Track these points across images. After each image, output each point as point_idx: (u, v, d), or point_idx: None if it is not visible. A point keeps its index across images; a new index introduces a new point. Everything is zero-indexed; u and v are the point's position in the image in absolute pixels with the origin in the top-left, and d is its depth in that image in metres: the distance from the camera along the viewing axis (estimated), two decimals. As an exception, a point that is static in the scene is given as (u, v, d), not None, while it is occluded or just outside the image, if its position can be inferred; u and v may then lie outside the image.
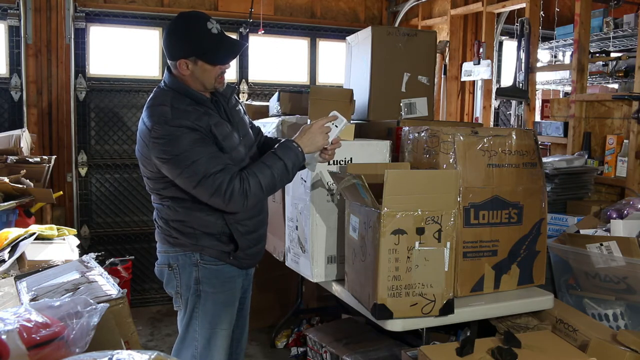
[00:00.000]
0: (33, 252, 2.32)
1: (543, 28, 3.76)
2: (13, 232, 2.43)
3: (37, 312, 1.24)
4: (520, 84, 3.63)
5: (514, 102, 3.98)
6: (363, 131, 2.73)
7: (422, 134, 2.21)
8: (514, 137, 2.16)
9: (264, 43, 4.71)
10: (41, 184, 3.33)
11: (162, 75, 2.04)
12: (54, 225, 2.67)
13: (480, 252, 2.13)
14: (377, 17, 5.03)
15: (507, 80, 4.38)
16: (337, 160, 2.29)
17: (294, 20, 4.73)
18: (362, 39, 2.95)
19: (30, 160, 3.32)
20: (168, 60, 1.96)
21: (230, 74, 4.44)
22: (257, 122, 2.47)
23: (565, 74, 4.20)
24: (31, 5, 3.91)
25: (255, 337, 3.58)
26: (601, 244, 2.24)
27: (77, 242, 2.65)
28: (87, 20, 4.13)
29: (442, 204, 1.91)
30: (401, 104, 2.89)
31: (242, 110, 2.15)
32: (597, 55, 3.66)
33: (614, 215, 2.43)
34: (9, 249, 2.31)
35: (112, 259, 3.93)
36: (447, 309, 1.96)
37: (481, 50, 4.00)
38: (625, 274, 2.20)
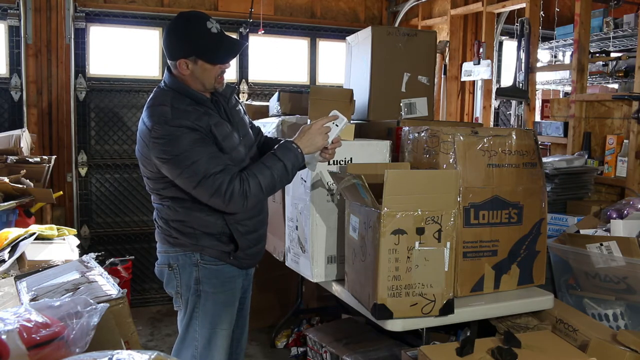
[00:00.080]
0: (33, 252, 2.32)
1: (543, 28, 3.76)
2: (13, 232, 2.43)
3: (37, 312, 1.23)
4: (520, 84, 3.63)
5: (514, 102, 3.98)
6: (363, 131, 2.73)
7: (422, 134, 2.21)
8: (514, 137, 2.16)
9: (264, 43, 4.71)
10: (41, 184, 3.33)
11: (162, 75, 2.04)
12: (54, 225, 2.67)
13: (480, 252, 2.13)
14: (377, 17, 5.03)
15: (507, 80, 4.38)
16: (337, 160, 2.29)
17: (294, 20, 4.73)
18: (362, 39, 2.95)
19: (30, 160, 3.32)
20: (168, 60, 1.96)
21: (230, 74, 4.46)
22: (257, 122, 2.47)
23: (565, 74, 4.20)
24: (31, 5, 3.91)
25: (255, 337, 3.58)
26: (601, 244, 2.24)
27: (77, 242, 2.65)
28: (87, 20, 4.13)
29: (442, 204, 1.91)
30: (401, 104, 2.89)
31: (242, 110, 2.15)
32: (597, 55, 3.66)
33: (614, 215, 2.43)
34: (9, 249, 2.31)
35: (112, 259, 3.93)
36: (447, 309, 1.96)
37: (481, 50, 4.00)
38: (625, 274, 2.20)
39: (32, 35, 3.92)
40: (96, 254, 2.23)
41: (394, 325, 1.96)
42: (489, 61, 3.98)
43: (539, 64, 3.81)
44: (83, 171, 4.21)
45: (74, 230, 2.75)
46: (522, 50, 3.59)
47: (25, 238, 2.38)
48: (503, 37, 4.53)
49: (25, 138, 3.47)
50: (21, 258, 2.28)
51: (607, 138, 3.04)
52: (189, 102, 1.92)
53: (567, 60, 4.56)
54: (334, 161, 2.27)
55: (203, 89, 1.96)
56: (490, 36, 4.05)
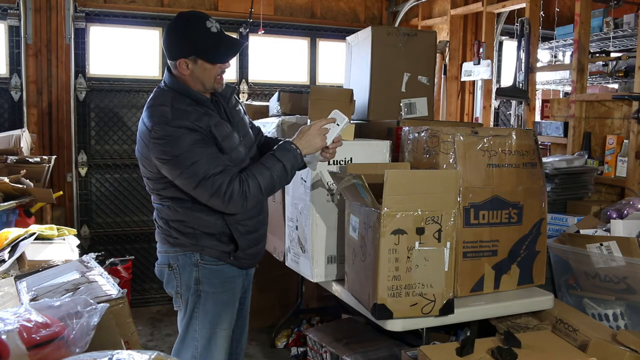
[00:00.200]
0: (33, 252, 2.32)
1: (543, 28, 3.76)
2: (13, 232, 2.43)
3: (37, 312, 1.24)
4: (520, 84, 3.63)
5: (514, 102, 3.98)
6: (363, 131, 2.73)
7: (422, 134, 2.21)
8: (514, 137, 2.16)
9: (264, 43, 4.71)
10: (41, 184, 3.33)
11: (162, 75, 2.04)
12: (54, 225, 2.67)
13: (480, 252, 2.13)
14: (377, 17, 5.03)
15: (507, 80, 4.38)
16: (337, 160, 2.29)
17: (294, 20, 4.73)
18: (362, 39, 2.95)
19: (30, 160, 3.32)
20: (168, 60, 1.97)
21: (230, 74, 4.46)
22: (257, 122, 2.47)
23: (565, 74, 4.20)
24: (31, 5, 3.91)
25: (255, 337, 3.58)
26: (601, 244, 2.24)
27: (77, 242, 2.65)
28: (87, 20, 4.13)
29: (442, 204, 1.91)
30: (401, 104, 2.89)
31: (242, 110, 2.15)
32: (597, 55, 3.66)
33: (614, 215, 2.43)
34: (9, 249, 2.31)
35: (112, 259, 3.93)
36: (447, 309, 1.96)
37: (481, 50, 4.00)
38: (625, 274, 2.20)
39: (32, 35, 3.92)
40: (96, 254, 2.23)
41: (394, 325, 1.96)
42: (489, 61, 3.98)
43: (539, 64, 3.81)
44: (83, 171, 4.21)
45: (74, 230, 2.75)
46: (522, 50, 3.60)
47: (25, 238, 2.38)
48: (503, 37, 4.53)
49: (25, 138, 3.47)
50: (21, 258, 2.28)
51: (607, 138, 3.04)
52: (189, 102, 1.92)
53: (567, 60, 4.56)
54: (334, 161, 2.27)
55: (203, 89, 1.96)
56: (490, 36, 4.05)
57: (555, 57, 4.66)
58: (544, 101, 4.26)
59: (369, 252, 1.95)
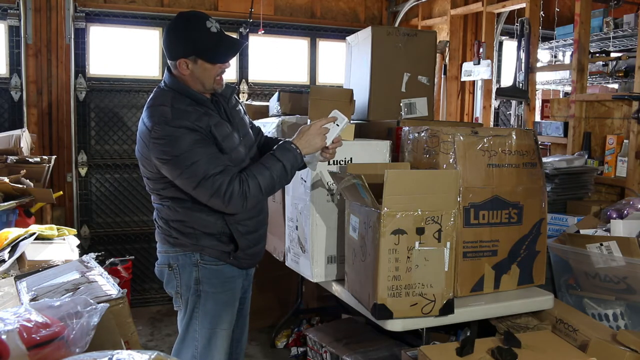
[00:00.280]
0: (33, 252, 2.32)
1: (543, 28, 3.76)
2: (13, 232, 2.43)
3: (37, 312, 1.24)
4: (520, 84, 3.63)
5: (514, 102, 3.98)
6: (363, 131, 2.73)
7: (422, 134, 2.21)
8: (514, 137, 2.16)
9: (264, 43, 4.71)
10: (41, 184, 3.33)
11: (162, 75, 2.04)
12: (54, 225, 2.67)
13: (480, 252, 2.13)
14: (377, 17, 5.03)
15: (507, 80, 4.38)
16: (337, 160, 2.29)
17: (294, 20, 4.73)
18: (362, 39, 2.95)
19: (30, 160, 3.32)
20: (168, 60, 1.97)
21: (230, 74, 4.46)
22: (257, 122, 2.47)
23: (565, 74, 4.20)
24: (31, 5, 3.91)
25: (255, 337, 3.58)
26: (601, 244, 2.24)
27: (77, 242, 2.65)
28: (87, 20, 4.13)
29: (442, 204, 1.91)
30: (401, 104, 2.89)
31: (242, 110, 2.15)
32: (597, 55, 3.66)
33: (614, 215, 2.43)
34: (9, 249, 2.31)
35: (112, 259, 3.93)
36: (447, 309, 1.96)
37: (481, 50, 4.00)
38: (625, 274, 2.20)
39: (32, 35, 3.92)
40: (96, 254, 2.23)
41: (394, 325, 1.96)
42: (489, 61, 3.98)
43: (539, 64, 3.81)
44: (83, 171, 4.21)
45: (74, 230, 2.75)
46: (522, 50, 3.59)
47: (25, 238, 2.38)
48: (503, 37, 4.53)
49: (25, 138, 3.48)
50: (21, 258, 2.28)
51: (607, 138, 3.04)
52: (189, 102, 1.92)
53: (567, 60, 4.56)
54: (334, 161, 2.27)
55: (203, 89, 1.96)
56: (490, 36, 4.05)
57: (555, 57, 4.66)
58: (544, 101, 4.26)
59: (369, 252, 1.95)
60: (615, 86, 3.91)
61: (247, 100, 4.57)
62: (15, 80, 3.97)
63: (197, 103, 1.93)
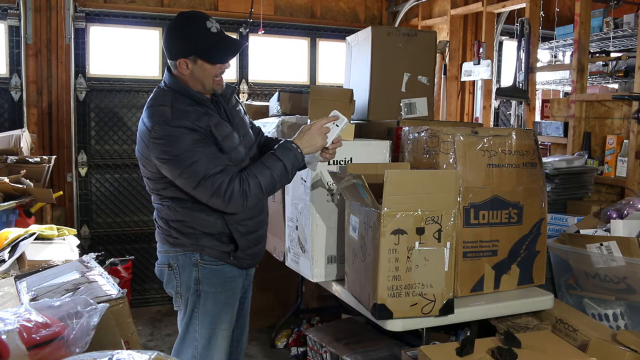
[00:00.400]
0: (33, 252, 2.32)
1: (543, 28, 3.76)
2: (13, 232, 2.43)
3: (37, 312, 1.24)
4: (520, 84, 3.63)
5: (514, 102, 3.98)
6: (363, 131, 2.73)
7: (422, 134, 2.21)
8: (514, 137, 2.16)
9: (264, 43, 4.71)
10: (41, 184, 3.33)
11: (162, 75, 2.04)
12: (54, 225, 2.66)
13: (480, 252, 2.13)
14: (377, 17, 5.03)
15: (507, 80, 4.38)
16: (337, 160, 2.29)
17: (294, 20, 4.73)
18: (362, 39, 2.95)
19: (30, 160, 3.32)
20: (168, 60, 1.97)
21: (230, 74, 4.46)
22: (257, 122, 2.47)
23: (565, 74, 4.20)
24: (31, 5, 3.91)
25: (255, 337, 3.58)
26: (601, 244, 2.24)
27: (77, 242, 2.65)
28: (87, 20, 4.13)
29: (442, 204, 1.91)
30: (401, 104, 2.89)
31: (242, 110, 2.15)
32: (597, 55, 3.66)
33: (614, 215, 2.43)
34: (9, 249, 2.31)
35: (112, 259, 3.93)
36: (447, 309, 1.96)
37: (481, 50, 4.00)
38: (625, 274, 2.20)
39: (32, 35, 3.93)
40: (96, 254, 2.23)
41: (394, 325, 1.96)
42: (489, 61, 3.98)
43: (539, 64, 3.81)
44: (83, 171, 4.21)
45: (74, 230, 2.75)
46: (522, 50, 3.60)
47: (25, 238, 2.38)
48: (503, 37, 4.53)
49: (25, 138, 3.48)
50: (21, 258, 2.28)
51: (607, 138, 3.04)
52: (189, 102, 1.92)
53: (567, 60, 4.56)
54: (334, 161, 2.27)
55: (202, 89, 1.96)
56: (490, 36, 4.05)
57: (555, 57, 4.66)
58: (544, 101, 4.26)
59: (369, 252, 1.95)
60: (615, 86, 3.91)
61: (247, 100, 4.57)
62: (15, 80, 3.97)
63: (197, 103, 1.93)
